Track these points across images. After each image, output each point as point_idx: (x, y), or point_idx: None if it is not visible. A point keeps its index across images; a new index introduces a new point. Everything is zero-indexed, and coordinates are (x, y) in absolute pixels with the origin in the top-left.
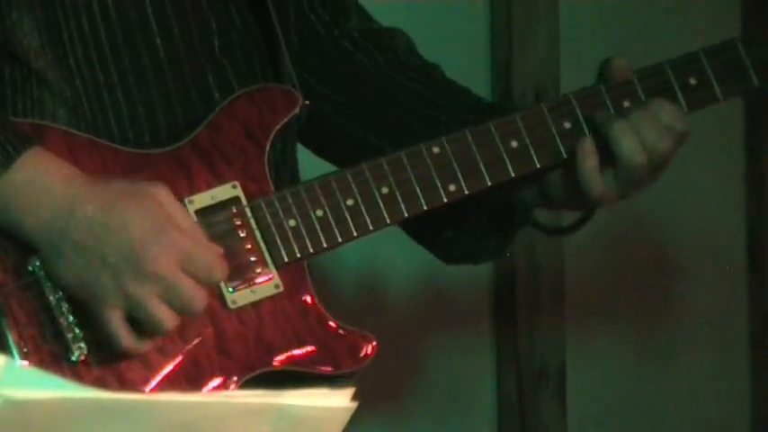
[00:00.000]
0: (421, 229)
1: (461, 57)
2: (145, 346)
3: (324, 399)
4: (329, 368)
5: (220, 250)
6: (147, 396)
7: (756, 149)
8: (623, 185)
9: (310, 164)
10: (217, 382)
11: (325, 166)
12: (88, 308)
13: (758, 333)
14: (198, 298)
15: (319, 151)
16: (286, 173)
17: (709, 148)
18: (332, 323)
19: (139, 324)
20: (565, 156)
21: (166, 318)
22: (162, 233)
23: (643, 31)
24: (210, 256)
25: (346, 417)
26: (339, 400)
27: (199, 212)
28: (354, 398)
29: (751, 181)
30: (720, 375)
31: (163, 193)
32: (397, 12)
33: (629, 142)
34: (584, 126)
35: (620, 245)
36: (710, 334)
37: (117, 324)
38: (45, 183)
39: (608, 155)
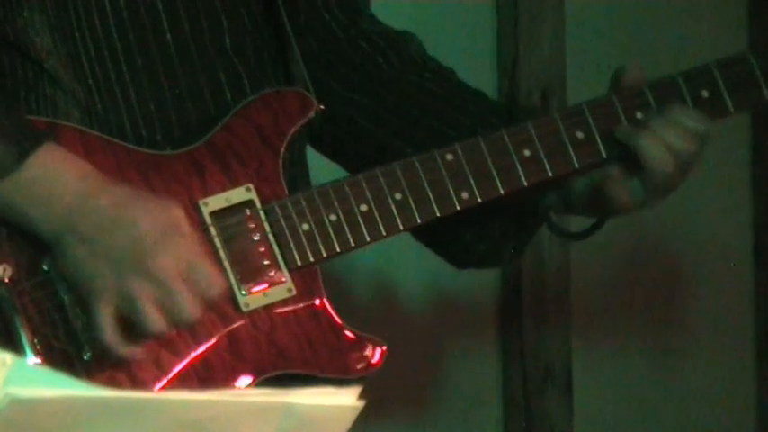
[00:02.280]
0: (436, 233)
1: (467, 55)
2: (130, 349)
3: (330, 397)
4: (339, 373)
5: (222, 270)
6: (155, 394)
7: (762, 149)
8: (652, 194)
9: (320, 168)
10: (228, 383)
11: (334, 171)
12: (84, 301)
13: (764, 334)
14: (191, 308)
15: (336, 155)
16: (299, 177)
17: (714, 149)
18: (344, 328)
19: (132, 326)
20: (576, 165)
21: (156, 321)
22: (169, 238)
23: (649, 30)
24: (212, 271)
25: (353, 415)
26: (346, 399)
27: (213, 214)
28: (361, 397)
29: (757, 181)
30: (726, 375)
31: (176, 206)
32: (404, 10)
33: (658, 152)
34: (597, 136)
35: (626, 246)
36: (716, 334)
37: (105, 319)
38: (59, 178)
39: (633, 164)
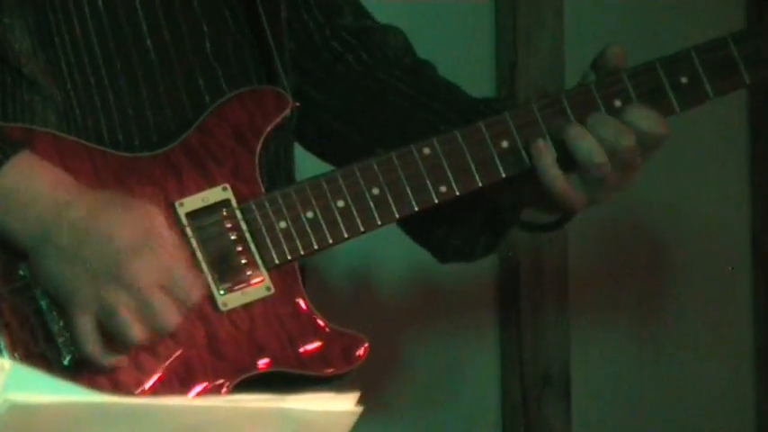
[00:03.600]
0: (415, 228)
1: (466, 59)
2: (111, 358)
3: (329, 403)
4: (321, 370)
5: (201, 276)
6: (153, 400)
7: (760, 153)
8: (591, 188)
9: (310, 165)
10: (209, 384)
11: (324, 169)
12: (64, 311)
13: (762, 334)
14: (171, 317)
15: (322, 156)
16: (280, 175)
17: (712, 147)
18: (324, 325)
19: (111, 334)
20: (555, 155)
21: (135, 330)
22: (146, 246)
23: (647, 34)
24: (191, 278)
25: (351, 421)
26: (344, 404)
27: (189, 215)
28: (359, 402)
29: (755, 185)
30: (725, 379)
31: (153, 210)
32: (402, 14)
33: (586, 143)
34: None
35: (624, 246)
36: (715, 334)
37: (86, 329)
38: (32, 187)
39: (571, 160)
